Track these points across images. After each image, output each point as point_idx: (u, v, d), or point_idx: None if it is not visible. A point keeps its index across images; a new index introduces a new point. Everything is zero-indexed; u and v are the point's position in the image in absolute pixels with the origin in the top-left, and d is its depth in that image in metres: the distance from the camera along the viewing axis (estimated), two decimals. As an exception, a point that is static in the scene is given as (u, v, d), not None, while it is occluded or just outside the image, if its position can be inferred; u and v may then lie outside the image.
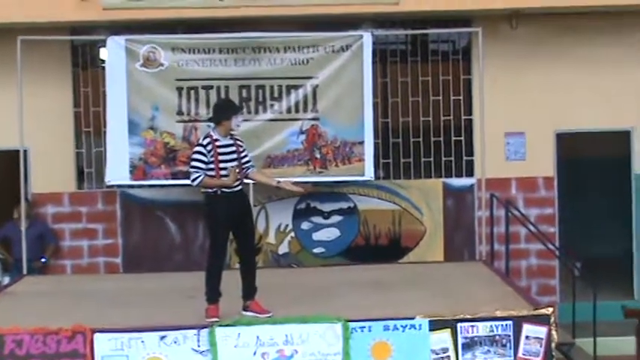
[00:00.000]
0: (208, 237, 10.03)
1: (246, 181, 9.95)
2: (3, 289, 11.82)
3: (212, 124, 9.72)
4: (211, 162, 9.49)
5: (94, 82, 13.76)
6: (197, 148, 9.61)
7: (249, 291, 9.71)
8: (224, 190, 9.51)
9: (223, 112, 9.67)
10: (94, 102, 13.79)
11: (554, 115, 13.81)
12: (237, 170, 9.52)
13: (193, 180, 9.55)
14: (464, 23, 13.54)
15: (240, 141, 9.78)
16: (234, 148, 9.61)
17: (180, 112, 13.04)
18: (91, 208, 13.90)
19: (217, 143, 9.52)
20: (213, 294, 9.60)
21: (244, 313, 9.60)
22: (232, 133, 9.71)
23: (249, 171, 9.81)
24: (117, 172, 13.04)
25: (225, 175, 9.48)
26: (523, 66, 13.77)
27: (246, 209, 9.82)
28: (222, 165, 9.48)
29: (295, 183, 10.17)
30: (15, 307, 10.55)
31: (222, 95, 12.96)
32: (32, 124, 12.95)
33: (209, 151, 9.48)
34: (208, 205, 9.64)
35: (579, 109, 13.81)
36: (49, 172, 13.77)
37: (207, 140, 9.56)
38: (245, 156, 9.78)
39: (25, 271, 12.57)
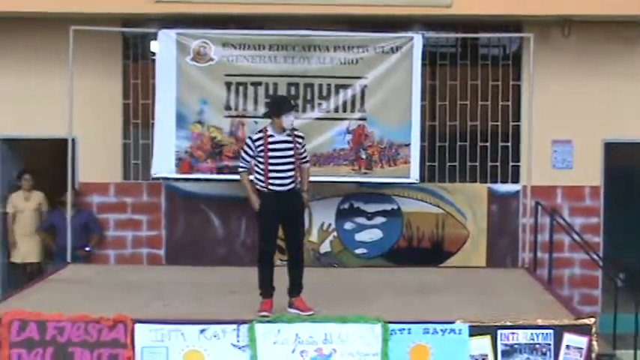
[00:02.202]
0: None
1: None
2: (47, 276, 11.95)
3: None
4: (260, 156, 9.54)
5: (144, 74, 13.84)
6: (246, 141, 9.79)
7: (293, 288, 9.78)
8: (272, 187, 9.56)
9: (274, 109, 9.74)
10: (143, 94, 13.87)
11: (602, 124, 13.72)
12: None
13: (238, 172, 9.81)
14: (515, 28, 13.49)
15: (301, 137, 9.80)
16: (290, 145, 9.62)
17: (228, 107, 13.07)
18: (136, 199, 13.99)
19: (270, 139, 9.57)
20: (264, 288, 9.70)
21: (289, 310, 9.65)
22: (293, 129, 9.74)
23: (303, 164, 9.87)
24: (163, 164, 13.11)
25: (276, 171, 9.53)
26: (573, 73, 13.70)
27: (295, 208, 9.79)
28: (272, 160, 9.53)
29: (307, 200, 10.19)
30: (58, 294, 10.64)
31: (271, 92, 12.99)
32: (81, 114, 13.03)
33: (258, 146, 9.55)
34: (259, 199, 9.72)
35: (628, 119, 13.72)
36: (97, 162, 13.88)
37: (259, 135, 9.64)
38: (303, 152, 9.83)
39: (69, 259, 12.67)
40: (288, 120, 9.62)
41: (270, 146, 9.55)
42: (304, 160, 9.91)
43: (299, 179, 9.84)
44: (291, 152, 9.63)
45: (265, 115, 9.93)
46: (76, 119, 12.75)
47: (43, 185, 14.22)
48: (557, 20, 13.42)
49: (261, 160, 9.59)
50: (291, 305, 9.71)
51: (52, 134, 13.45)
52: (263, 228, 9.81)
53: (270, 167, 9.55)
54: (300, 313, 9.55)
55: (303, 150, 9.84)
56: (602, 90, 13.68)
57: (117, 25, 13.52)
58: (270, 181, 9.61)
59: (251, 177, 9.84)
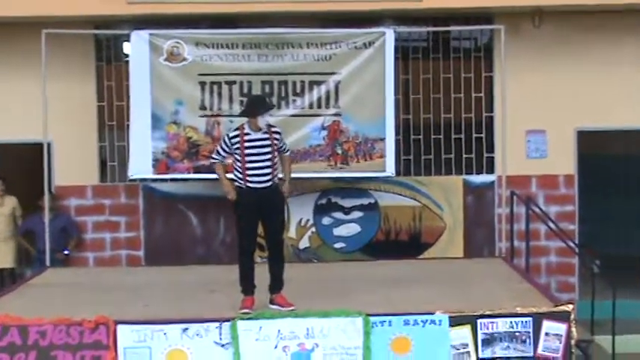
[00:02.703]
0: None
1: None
2: (27, 280, 11.93)
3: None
4: (237, 154, 9.59)
5: (118, 76, 13.84)
6: (223, 137, 9.87)
7: (274, 284, 9.81)
8: (250, 184, 9.59)
9: (251, 109, 9.75)
10: (117, 96, 13.87)
11: (575, 113, 13.80)
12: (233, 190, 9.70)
13: (210, 163, 9.90)
14: (486, 20, 13.56)
15: (278, 132, 9.82)
16: (267, 142, 9.62)
17: (203, 107, 13.09)
18: (113, 201, 13.99)
19: (246, 137, 9.59)
20: (245, 286, 9.73)
21: (270, 306, 9.68)
22: (270, 125, 9.77)
23: (282, 154, 9.92)
24: (140, 165, 13.12)
25: (253, 168, 9.55)
26: (545, 64, 13.77)
27: (273, 204, 9.80)
28: (248, 158, 9.55)
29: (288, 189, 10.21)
30: (38, 298, 10.62)
31: (245, 90, 13.03)
32: (56, 118, 13.01)
33: (234, 144, 9.59)
34: (237, 196, 9.76)
35: (601, 107, 13.79)
36: (73, 165, 13.86)
37: (236, 133, 9.68)
38: (282, 146, 9.88)
39: (48, 263, 12.65)
40: (264, 120, 9.65)
41: (247, 144, 9.57)
42: (285, 150, 9.96)
43: (278, 176, 9.85)
44: (269, 149, 9.63)
45: (242, 115, 9.95)
46: (51, 123, 12.73)
47: (18, 190, 14.18)
48: (527, 11, 13.47)
49: (238, 157, 9.61)
50: (272, 302, 9.73)
51: (26, 139, 13.42)
52: (242, 225, 9.81)
53: (248, 165, 9.56)
54: (281, 309, 9.58)
55: (282, 145, 9.88)
56: (574, 79, 13.77)
57: (89, 27, 13.53)
58: (248, 178, 9.60)
59: (230, 175, 9.85)
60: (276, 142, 9.73)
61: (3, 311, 9.59)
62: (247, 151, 9.56)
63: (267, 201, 9.69)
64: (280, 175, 9.97)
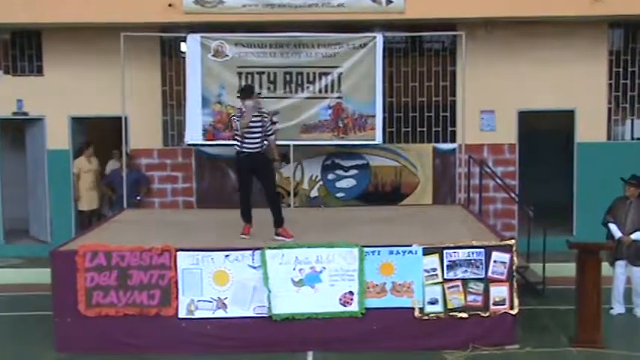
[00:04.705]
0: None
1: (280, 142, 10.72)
2: (110, 219, 11.95)
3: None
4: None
5: (177, 67, 13.73)
6: (233, 118, 9.85)
7: (275, 221, 9.84)
8: (243, 151, 9.71)
9: (241, 94, 9.92)
10: (176, 82, 13.77)
11: (517, 98, 13.70)
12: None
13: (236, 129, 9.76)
14: (451, 28, 13.37)
15: (266, 115, 9.89)
16: (258, 121, 9.69)
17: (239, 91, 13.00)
18: (173, 161, 13.94)
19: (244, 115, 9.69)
20: (244, 217, 9.97)
21: (275, 237, 9.69)
22: (260, 109, 9.83)
23: (269, 137, 9.87)
24: (193, 134, 13.06)
25: (248, 138, 9.68)
26: (495, 60, 13.64)
27: (261, 164, 9.82)
28: (245, 131, 9.65)
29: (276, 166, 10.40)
30: (118, 231, 10.65)
31: (272, 79, 12.93)
32: (131, 99, 12.95)
33: (239, 117, 9.69)
34: (235, 160, 9.97)
35: (536, 94, 13.68)
36: (143, 133, 13.81)
37: (239, 113, 9.73)
38: (269, 128, 9.85)
39: (125, 206, 12.67)
40: (249, 103, 9.68)
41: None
42: (270, 133, 9.89)
43: (266, 145, 9.85)
44: (259, 124, 9.68)
45: (238, 97, 10.14)
46: (127, 102, 12.67)
47: (102, 152, 14.18)
48: (481, 21, 13.34)
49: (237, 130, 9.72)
50: (277, 234, 9.75)
51: (110, 114, 13.33)
52: (240, 178, 10.04)
53: (245, 135, 9.63)
54: (285, 239, 9.60)
55: (269, 124, 9.85)
56: (516, 72, 13.64)
57: (156, 30, 13.39)
58: (245, 144, 9.71)
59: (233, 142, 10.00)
60: (265, 120, 9.78)
61: (93, 241, 9.66)
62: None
63: (257, 161, 9.77)
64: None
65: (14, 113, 13.92)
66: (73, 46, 13.66)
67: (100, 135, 14.44)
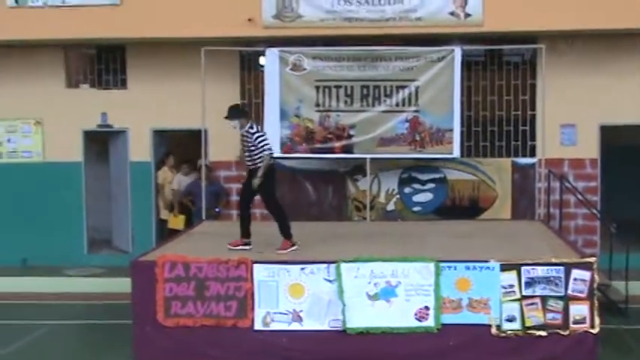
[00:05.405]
0: None
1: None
2: (188, 230, 12.09)
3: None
4: None
5: (256, 81, 13.86)
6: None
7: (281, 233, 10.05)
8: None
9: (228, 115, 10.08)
10: (255, 96, 13.89)
11: (599, 111, 13.41)
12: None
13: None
14: (531, 40, 13.18)
15: (249, 134, 9.85)
16: (245, 140, 9.87)
17: (317, 104, 13.04)
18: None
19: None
20: (241, 230, 10.03)
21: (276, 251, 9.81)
22: (246, 130, 9.89)
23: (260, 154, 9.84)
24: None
25: (245, 156, 9.98)
26: (575, 74, 13.39)
27: (250, 182, 9.90)
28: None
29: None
30: (197, 243, 10.76)
31: (349, 93, 12.95)
32: (210, 111, 13.08)
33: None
34: None
35: (618, 107, 13.38)
36: (221, 146, 13.91)
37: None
38: (251, 146, 9.80)
39: (204, 217, 12.82)
40: (231, 124, 9.92)
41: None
42: (257, 151, 9.84)
43: (259, 162, 9.82)
44: (247, 143, 9.81)
45: (225, 118, 10.15)
46: (207, 115, 12.82)
47: (180, 164, 14.39)
48: (563, 34, 13.12)
49: None
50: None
51: (189, 126, 13.55)
52: (242, 191, 10.30)
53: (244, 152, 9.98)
54: (281, 251, 9.72)
55: (252, 145, 9.80)
56: (597, 85, 13.35)
57: (235, 45, 13.55)
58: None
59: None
60: (246, 140, 9.85)
61: (172, 252, 9.79)
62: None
63: (251, 178, 9.88)
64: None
65: (99, 126, 14.30)
66: (156, 61, 13.96)
67: (178, 147, 14.68)
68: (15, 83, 14.24)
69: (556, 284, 9.02)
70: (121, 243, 14.64)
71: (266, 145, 9.80)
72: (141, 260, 9.58)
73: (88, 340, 10.59)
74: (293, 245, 9.89)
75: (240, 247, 9.84)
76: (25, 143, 14.44)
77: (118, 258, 13.89)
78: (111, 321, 11.14)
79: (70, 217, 14.31)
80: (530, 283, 9.04)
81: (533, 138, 13.59)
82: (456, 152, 12.90)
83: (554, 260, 9.10)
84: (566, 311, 9.01)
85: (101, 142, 14.84)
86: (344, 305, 9.09)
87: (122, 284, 10.81)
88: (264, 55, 13.15)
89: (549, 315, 9.03)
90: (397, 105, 12.98)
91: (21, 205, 14.34)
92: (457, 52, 12.72)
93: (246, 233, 10.06)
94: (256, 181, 9.77)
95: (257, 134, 9.84)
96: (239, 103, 10.04)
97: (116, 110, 14.17)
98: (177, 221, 13.74)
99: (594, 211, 12.87)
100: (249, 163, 9.90)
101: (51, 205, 14.29)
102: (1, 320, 11.47)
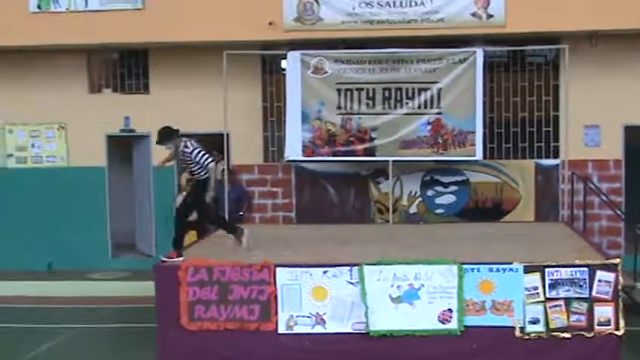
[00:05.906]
0: None
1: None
2: (211, 234, 12.08)
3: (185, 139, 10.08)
4: None
5: (277, 84, 13.90)
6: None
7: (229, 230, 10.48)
8: None
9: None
10: (277, 99, 13.95)
11: (623, 112, 13.32)
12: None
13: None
14: (553, 41, 13.14)
15: (182, 155, 10.02)
16: (184, 158, 10.01)
17: (339, 107, 13.08)
18: (273, 176, 14.10)
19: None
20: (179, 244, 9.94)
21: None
22: (180, 150, 10.04)
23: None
24: (292, 150, 13.20)
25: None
26: (599, 74, 13.31)
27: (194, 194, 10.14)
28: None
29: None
30: (220, 246, 10.75)
31: (370, 95, 12.96)
32: (233, 115, 13.17)
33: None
34: None
35: (642, 108, 13.32)
36: (244, 150, 14.00)
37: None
38: (191, 164, 9.97)
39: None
40: (164, 147, 10.17)
41: None
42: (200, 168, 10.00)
43: (204, 173, 9.96)
44: (185, 162, 10.06)
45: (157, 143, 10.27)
46: (229, 119, 12.88)
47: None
48: (586, 34, 13.05)
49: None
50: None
51: (211, 130, 13.56)
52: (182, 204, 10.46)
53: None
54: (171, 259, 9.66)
55: (191, 162, 9.95)
56: (621, 85, 13.26)
57: (257, 49, 13.60)
58: None
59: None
60: (184, 160, 10.02)
61: (195, 256, 9.82)
62: None
63: (193, 191, 10.18)
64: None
65: (122, 130, 14.40)
66: (178, 65, 14.04)
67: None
68: (38, 88, 14.38)
69: (580, 286, 8.96)
70: (145, 247, 14.73)
71: (207, 158, 9.94)
72: (164, 264, 9.64)
73: (113, 344, 10.66)
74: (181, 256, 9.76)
75: (176, 259, 9.66)
76: (48, 148, 14.58)
77: (141, 262, 13.97)
78: (135, 324, 11.21)
79: (94, 222, 14.43)
80: (554, 285, 8.98)
81: (556, 139, 13.52)
82: (479, 154, 12.87)
83: (577, 262, 9.04)
84: (590, 313, 8.95)
85: (124, 146, 14.95)
86: (367, 308, 9.08)
87: (146, 288, 10.89)
88: (285, 58, 13.19)
89: (573, 317, 8.97)
90: (419, 107, 12.98)
91: (45, 210, 14.48)
92: (479, 53, 12.69)
93: (181, 244, 10.04)
94: (211, 194, 10.02)
95: (194, 151, 9.94)
96: (167, 125, 10.06)
97: (139, 114, 14.27)
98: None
99: (618, 212, 12.79)
100: (192, 176, 10.05)
101: (75, 209, 14.42)
102: (26, 324, 11.58)
